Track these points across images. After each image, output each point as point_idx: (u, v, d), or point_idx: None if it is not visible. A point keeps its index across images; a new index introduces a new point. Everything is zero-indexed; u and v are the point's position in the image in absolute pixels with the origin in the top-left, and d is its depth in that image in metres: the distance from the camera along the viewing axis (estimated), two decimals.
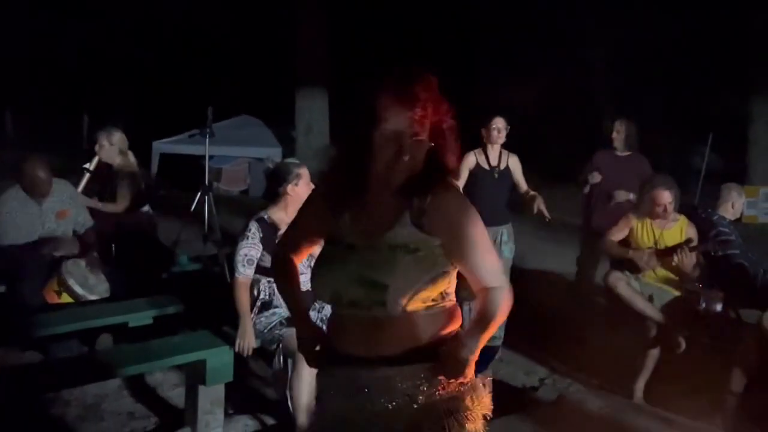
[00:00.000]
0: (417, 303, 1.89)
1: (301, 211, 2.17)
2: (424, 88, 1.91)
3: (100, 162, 5.65)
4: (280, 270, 2.23)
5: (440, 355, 1.92)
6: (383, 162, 1.89)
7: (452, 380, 1.92)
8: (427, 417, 1.92)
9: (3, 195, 4.81)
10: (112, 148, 5.67)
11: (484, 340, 1.95)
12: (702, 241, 4.69)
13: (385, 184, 1.94)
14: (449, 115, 1.98)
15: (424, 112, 1.89)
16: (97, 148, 5.61)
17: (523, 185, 5.31)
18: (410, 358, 1.92)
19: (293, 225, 2.24)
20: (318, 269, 1.99)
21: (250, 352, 3.84)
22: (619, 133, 5.85)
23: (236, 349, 3.82)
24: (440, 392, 1.93)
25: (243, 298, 3.88)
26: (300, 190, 3.94)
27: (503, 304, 1.99)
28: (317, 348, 2.07)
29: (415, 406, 1.92)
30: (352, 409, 1.96)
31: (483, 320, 1.97)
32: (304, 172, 4.01)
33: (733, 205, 5.11)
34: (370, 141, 1.88)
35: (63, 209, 4.92)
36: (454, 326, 1.99)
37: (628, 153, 5.86)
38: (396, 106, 1.87)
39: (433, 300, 1.93)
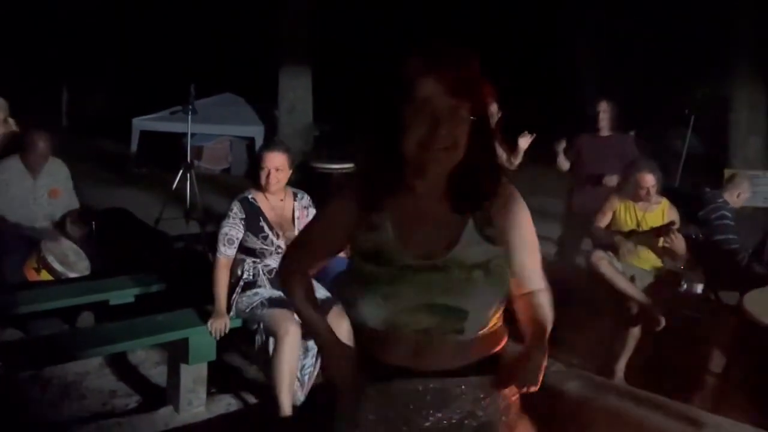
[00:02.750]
0: (490, 324, 1.68)
1: (323, 220, 1.85)
2: (462, 57, 1.60)
3: None
4: (295, 287, 1.88)
5: (510, 364, 1.72)
6: (416, 142, 1.56)
7: (523, 389, 1.74)
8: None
9: (2, 163, 4.81)
10: None
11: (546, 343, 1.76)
12: (689, 222, 4.74)
13: (424, 177, 1.63)
14: (492, 96, 1.66)
15: (461, 81, 1.56)
16: None
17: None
18: (468, 370, 1.69)
19: (310, 235, 1.90)
20: (363, 294, 1.65)
21: (223, 334, 3.84)
22: (605, 113, 5.85)
23: (209, 330, 3.81)
24: (501, 406, 1.74)
25: (221, 279, 3.86)
26: (263, 173, 3.90)
27: (550, 304, 1.79)
28: (350, 368, 1.78)
29: (474, 424, 1.70)
30: (401, 424, 1.71)
31: (541, 324, 1.75)
32: (261, 155, 3.94)
33: (740, 194, 5.15)
34: (400, 117, 1.56)
35: (56, 188, 4.93)
36: (505, 339, 1.78)
37: (609, 134, 5.88)
38: (428, 74, 1.55)
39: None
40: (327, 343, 1.85)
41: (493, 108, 5.12)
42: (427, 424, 1.69)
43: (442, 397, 1.69)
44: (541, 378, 1.72)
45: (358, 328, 1.74)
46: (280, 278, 1.99)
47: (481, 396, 1.71)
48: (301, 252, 1.90)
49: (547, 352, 1.75)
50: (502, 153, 5.39)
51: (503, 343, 1.76)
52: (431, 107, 1.54)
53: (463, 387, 1.69)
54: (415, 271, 1.63)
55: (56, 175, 4.96)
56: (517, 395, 1.78)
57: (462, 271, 1.62)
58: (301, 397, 3.83)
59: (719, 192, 5.14)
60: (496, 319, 1.71)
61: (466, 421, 1.70)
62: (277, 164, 3.89)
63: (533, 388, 1.73)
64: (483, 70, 1.63)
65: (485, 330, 1.68)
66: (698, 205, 5.01)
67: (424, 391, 1.68)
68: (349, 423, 1.76)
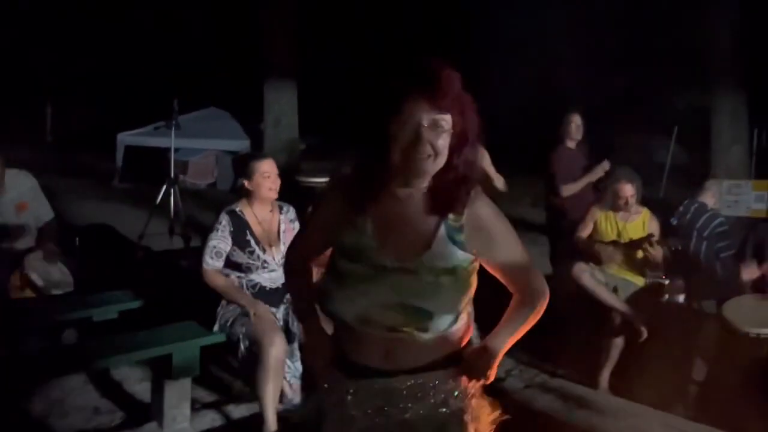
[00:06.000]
0: (456, 323, 1.84)
1: (318, 213, 2.03)
2: (447, 76, 1.75)
3: None
4: (294, 276, 2.13)
5: (465, 357, 1.89)
6: (400, 152, 1.74)
7: (474, 381, 1.90)
8: (457, 422, 1.87)
9: None
10: None
11: (511, 343, 1.93)
12: (663, 234, 4.78)
13: (408, 184, 1.81)
14: (472, 111, 1.82)
15: (444, 98, 1.73)
16: None
17: (493, 175, 5.31)
18: (437, 365, 1.86)
19: (308, 227, 2.12)
20: (339, 289, 1.83)
21: (265, 313, 3.79)
22: (577, 126, 5.90)
23: (252, 319, 3.74)
24: (466, 396, 1.90)
25: (220, 281, 3.88)
26: (254, 185, 3.93)
27: (539, 306, 1.94)
28: (326, 357, 1.96)
29: (447, 411, 1.86)
30: (381, 417, 1.86)
31: (514, 322, 1.93)
32: (258, 165, 3.97)
33: None
34: (387, 129, 1.74)
35: (22, 201, 4.87)
36: (468, 336, 1.95)
37: (576, 145, 5.94)
38: (413, 91, 1.73)
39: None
40: (308, 331, 2.05)
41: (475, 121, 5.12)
42: (407, 415, 1.84)
43: (417, 391, 1.84)
44: (491, 373, 1.89)
45: (334, 326, 1.92)
46: (285, 268, 2.21)
47: (453, 386, 1.88)
48: (300, 247, 2.10)
49: (504, 350, 1.92)
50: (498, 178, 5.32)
51: (468, 337, 1.92)
52: (415, 121, 1.73)
53: (436, 381, 1.86)
54: (389, 272, 1.78)
55: (21, 188, 4.84)
56: (475, 384, 1.93)
57: (431, 274, 1.77)
58: (296, 399, 3.83)
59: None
60: (461, 318, 1.85)
61: (440, 410, 1.86)
62: (276, 170, 3.98)
63: (484, 381, 1.91)
64: (466, 84, 1.79)
65: (451, 328, 1.82)
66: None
67: (400, 388, 1.84)
68: (333, 418, 1.89)
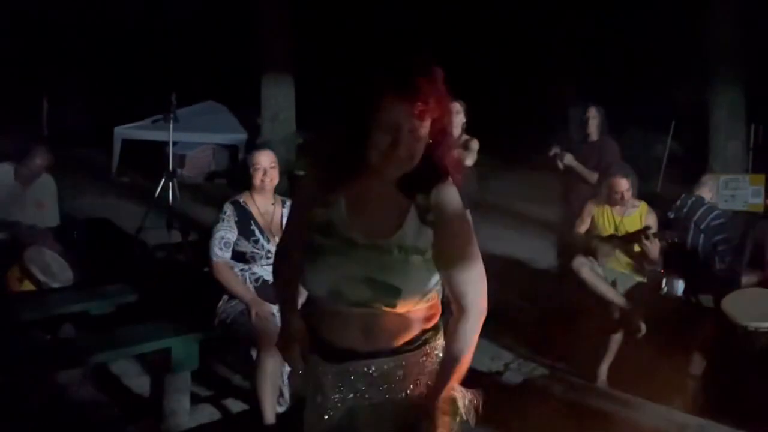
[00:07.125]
0: (422, 303, 1.84)
1: (295, 201, 2.10)
2: (429, 80, 1.74)
3: None
4: (277, 264, 2.17)
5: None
6: (377, 153, 1.75)
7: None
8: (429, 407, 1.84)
9: None
10: None
11: (450, 387, 1.86)
12: (661, 228, 4.79)
13: (381, 175, 1.81)
14: (452, 109, 1.85)
15: (425, 106, 1.72)
16: None
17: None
18: (411, 348, 1.87)
19: (290, 216, 2.17)
20: (311, 263, 1.87)
21: (266, 314, 3.74)
22: (594, 119, 5.89)
23: (253, 320, 3.70)
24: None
25: (230, 278, 3.82)
26: (248, 175, 3.93)
27: (473, 337, 1.87)
28: (301, 349, 2.00)
29: (421, 394, 1.87)
30: (361, 400, 1.88)
31: (448, 364, 1.86)
32: (250, 157, 3.99)
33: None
34: (365, 129, 1.75)
35: (43, 201, 5.01)
36: (437, 317, 1.94)
37: (597, 138, 5.92)
38: (395, 96, 1.72)
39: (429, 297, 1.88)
40: (284, 323, 2.10)
41: (455, 120, 5.10)
42: (387, 397, 1.87)
43: (396, 373, 1.87)
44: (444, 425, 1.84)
45: (309, 306, 1.94)
46: (274, 257, 2.23)
47: (420, 372, 1.88)
48: (284, 235, 2.19)
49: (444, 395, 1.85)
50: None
51: (437, 317, 1.94)
52: (395, 128, 1.74)
53: (404, 363, 1.87)
54: (359, 247, 1.82)
55: (45, 190, 5.10)
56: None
57: (401, 253, 1.80)
58: (286, 399, 3.82)
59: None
60: (431, 297, 1.87)
61: (417, 393, 1.87)
62: (270, 162, 3.95)
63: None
64: (449, 83, 1.78)
65: (421, 306, 1.85)
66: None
67: (378, 370, 1.86)
68: (316, 404, 1.94)
